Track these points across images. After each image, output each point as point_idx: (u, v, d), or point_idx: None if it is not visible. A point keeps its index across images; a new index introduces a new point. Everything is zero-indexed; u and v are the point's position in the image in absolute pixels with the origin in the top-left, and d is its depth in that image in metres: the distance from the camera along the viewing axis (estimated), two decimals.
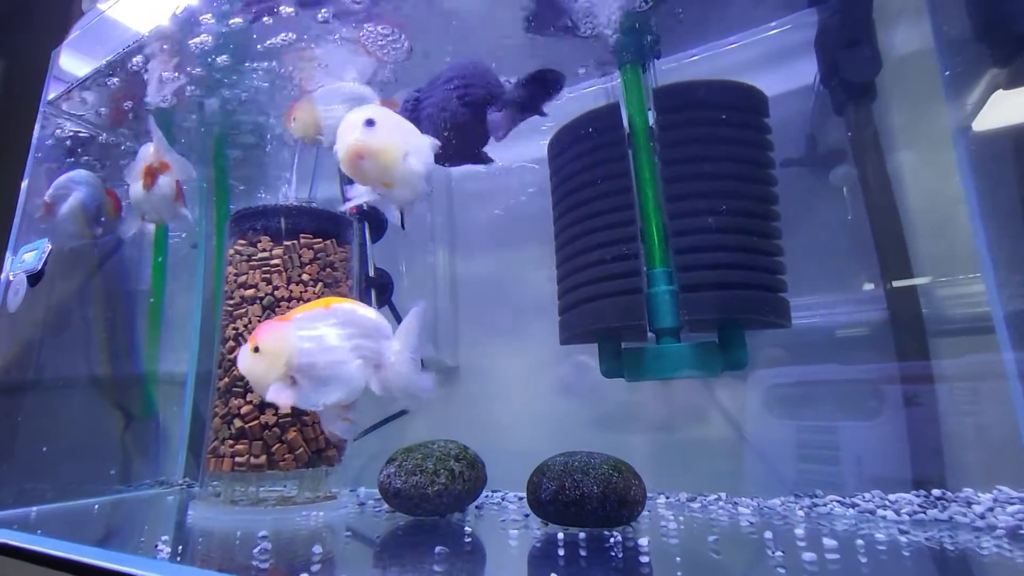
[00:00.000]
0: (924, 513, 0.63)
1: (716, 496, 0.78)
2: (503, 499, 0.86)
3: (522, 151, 1.07)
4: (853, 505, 0.68)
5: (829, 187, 0.89)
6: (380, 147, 0.62)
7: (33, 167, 1.12)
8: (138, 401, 1.18)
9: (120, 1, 1.01)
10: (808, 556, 0.49)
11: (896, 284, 0.78)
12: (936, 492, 0.66)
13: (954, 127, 0.72)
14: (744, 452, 0.85)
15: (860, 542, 0.54)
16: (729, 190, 0.77)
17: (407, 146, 0.63)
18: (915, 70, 0.82)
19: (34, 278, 0.98)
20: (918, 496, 0.66)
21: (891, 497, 0.67)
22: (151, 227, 1.22)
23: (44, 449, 1.01)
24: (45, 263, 0.98)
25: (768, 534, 0.56)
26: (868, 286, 0.82)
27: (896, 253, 0.78)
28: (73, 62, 1.11)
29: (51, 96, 1.13)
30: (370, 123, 0.62)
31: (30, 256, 0.99)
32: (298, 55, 0.91)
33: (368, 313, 0.65)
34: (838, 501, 0.69)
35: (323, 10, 0.85)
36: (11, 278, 1.00)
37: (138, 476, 1.15)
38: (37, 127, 1.14)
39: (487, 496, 0.87)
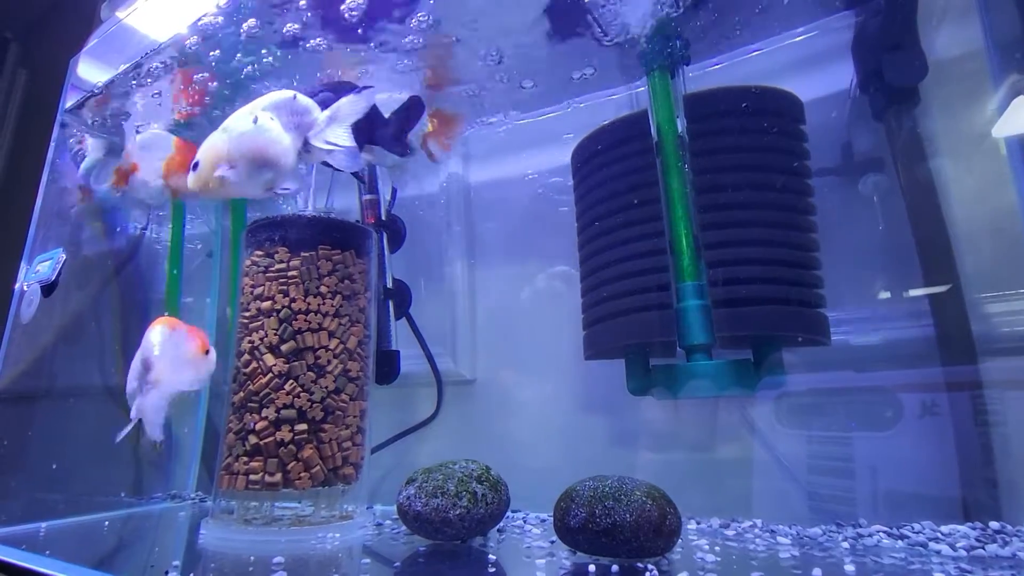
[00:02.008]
0: (983, 548, 0.59)
1: (751, 523, 0.74)
2: (524, 521, 0.83)
3: (545, 160, 1.05)
4: (902, 537, 0.64)
5: (861, 196, 0.85)
6: (200, 185, 0.70)
7: (49, 176, 1.11)
8: None
9: (138, 9, 1.00)
10: None
11: (943, 299, 0.73)
12: (994, 525, 0.61)
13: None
14: (774, 473, 0.81)
15: None
16: (765, 201, 0.74)
17: (222, 172, 0.70)
18: (957, 73, 0.78)
19: (48, 289, 0.96)
20: (974, 529, 0.62)
21: (944, 529, 0.63)
22: (167, 235, 1.21)
23: (54, 466, 0.99)
24: (59, 273, 0.97)
25: (817, 572, 0.53)
26: (912, 293, 0.78)
27: (942, 266, 0.74)
28: (91, 70, 1.10)
29: (68, 104, 1.12)
30: (194, 167, 0.70)
31: (44, 266, 0.98)
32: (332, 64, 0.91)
33: (153, 337, 0.75)
34: (885, 532, 0.65)
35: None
36: (25, 288, 0.99)
37: (150, 489, 1.13)
38: (54, 137, 1.14)
39: (508, 517, 0.83)
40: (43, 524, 0.88)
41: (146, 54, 0.95)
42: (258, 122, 0.69)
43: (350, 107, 0.73)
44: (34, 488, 0.99)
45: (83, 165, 1.12)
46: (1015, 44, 0.70)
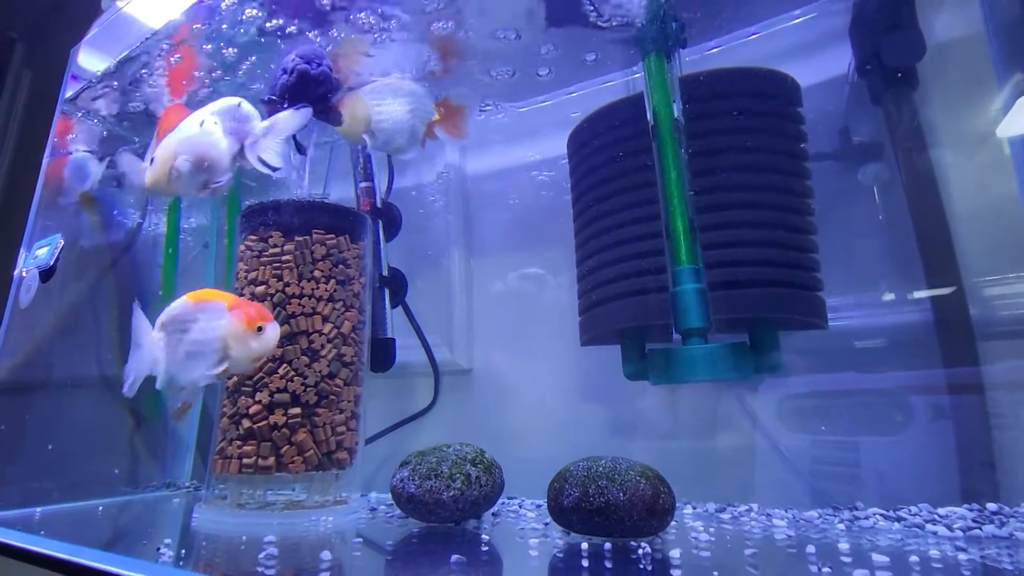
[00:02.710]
0: (979, 528, 0.58)
1: (747, 507, 0.73)
2: (520, 506, 0.82)
3: (542, 148, 1.04)
4: (899, 519, 0.63)
5: (860, 184, 0.84)
6: (154, 180, 0.73)
7: (49, 165, 1.11)
8: (148, 402, 1.16)
9: None
10: (860, 573, 0.45)
11: (942, 284, 0.73)
12: (991, 506, 0.61)
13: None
14: (772, 462, 0.80)
15: (914, 559, 0.50)
16: (761, 183, 0.73)
17: (174, 167, 0.73)
18: (958, 58, 0.78)
19: (46, 274, 0.97)
20: (971, 510, 0.61)
21: (940, 511, 0.62)
22: (163, 226, 1.21)
23: (49, 447, 0.99)
24: (57, 259, 0.97)
25: (810, 548, 0.52)
26: (917, 294, 0.77)
27: (940, 250, 0.74)
28: (92, 60, 1.11)
29: (68, 95, 1.13)
30: (151, 163, 0.74)
31: (43, 252, 0.98)
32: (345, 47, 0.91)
33: (175, 312, 0.71)
34: (881, 514, 0.64)
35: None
36: (23, 274, 0.99)
37: (146, 478, 1.13)
38: (54, 126, 1.14)
39: (503, 503, 0.83)
40: (38, 509, 0.89)
41: (143, 40, 0.95)
42: (204, 126, 0.72)
43: (287, 122, 0.75)
44: (30, 476, 0.99)
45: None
46: (1015, 27, 0.69)
